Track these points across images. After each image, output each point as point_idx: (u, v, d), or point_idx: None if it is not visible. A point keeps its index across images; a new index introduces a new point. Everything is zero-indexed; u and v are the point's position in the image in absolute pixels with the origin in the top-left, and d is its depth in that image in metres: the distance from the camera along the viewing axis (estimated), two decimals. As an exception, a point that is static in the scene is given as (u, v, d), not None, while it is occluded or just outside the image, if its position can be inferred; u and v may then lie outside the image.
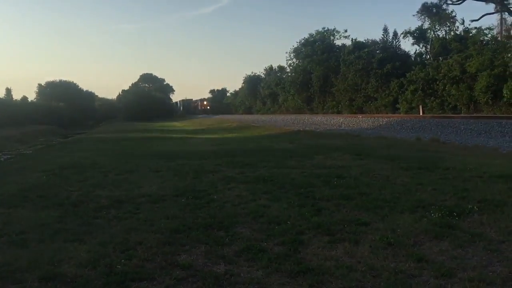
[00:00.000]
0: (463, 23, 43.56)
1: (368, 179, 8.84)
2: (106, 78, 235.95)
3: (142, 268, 4.45)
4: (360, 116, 33.03)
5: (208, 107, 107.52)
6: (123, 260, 4.62)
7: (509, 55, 31.90)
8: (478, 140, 15.45)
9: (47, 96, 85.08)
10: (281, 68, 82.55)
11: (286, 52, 74.29)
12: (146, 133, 34.52)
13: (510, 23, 41.03)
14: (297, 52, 64.70)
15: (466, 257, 4.48)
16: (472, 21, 41.84)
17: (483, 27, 39.19)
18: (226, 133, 31.83)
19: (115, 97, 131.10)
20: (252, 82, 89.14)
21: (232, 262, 4.58)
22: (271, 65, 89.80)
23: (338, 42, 60.52)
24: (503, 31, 40.53)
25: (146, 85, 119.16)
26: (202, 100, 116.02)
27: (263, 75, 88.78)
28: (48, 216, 6.61)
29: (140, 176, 10.34)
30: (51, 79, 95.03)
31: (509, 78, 28.86)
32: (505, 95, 28.86)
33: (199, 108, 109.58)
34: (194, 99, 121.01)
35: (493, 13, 42.58)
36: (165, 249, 4.98)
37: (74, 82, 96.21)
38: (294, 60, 66.51)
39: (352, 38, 54.51)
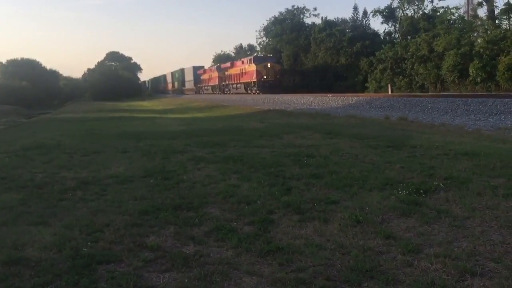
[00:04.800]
0: (431, 2, 44.05)
1: (338, 157, 8.89)
2: (71, 57, 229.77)
3: (109, 250, 4.35)
4: (330, 95, 33.15)
5: (278, 77, 45.87)
6: (89, 243, 4.51)
7: (475, 34, 32.53)
8: (445, 118, 15.74)
9: (9, 75, 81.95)
10: (251, 47, 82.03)
11: (256, 31, 74.04)
12: (113, 113, 33.79)
13: (476, 3, 41.65)
14: (267, 30, 64.36)
15: (432, 233, 4.56)
16: (440, 0, 42.35)
17: (450, 6, 39.86)
18: (196, 112, 31.49)
19: (81, 76, 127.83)
20: (221, 61, 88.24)
21: (202, 242, 4.53)
22: (241, 44, 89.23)
23: (308, 21, 60.53)
24: (469, 11, 41.12)
25: (113, 63, 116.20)
26: (263, 59, 46.98)
27: (233, 54, 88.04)
28: (10, 198, 6.41)
29: (107, 157, 10.13)
30: (12, 57, 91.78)
31: (475, 57, 29.46)
32: (471, 73, 29.51)
33: (236, 80, 51.12)
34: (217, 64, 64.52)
35: (460, -7, 43.15)
36: (133, 230, 4.89)
37: (37, 60, 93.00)
38: (264, 38, 66.29)
39: (322, 17, 54.57)
